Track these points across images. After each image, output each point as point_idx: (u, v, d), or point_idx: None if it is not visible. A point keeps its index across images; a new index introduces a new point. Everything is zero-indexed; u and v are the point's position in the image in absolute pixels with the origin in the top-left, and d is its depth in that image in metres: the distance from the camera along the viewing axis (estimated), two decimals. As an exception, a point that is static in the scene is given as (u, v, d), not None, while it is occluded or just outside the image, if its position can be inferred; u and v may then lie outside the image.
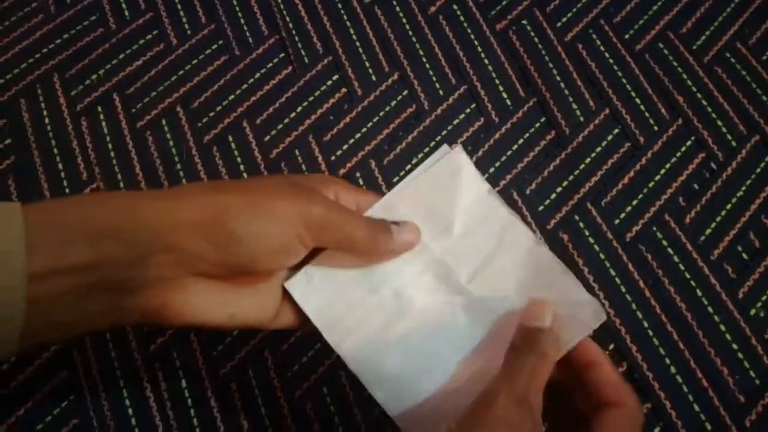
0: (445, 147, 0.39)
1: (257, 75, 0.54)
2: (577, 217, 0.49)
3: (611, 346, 0.45)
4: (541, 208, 0.49)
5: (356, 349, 0.35)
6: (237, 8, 0.56)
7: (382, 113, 0.53)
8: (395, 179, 0.50)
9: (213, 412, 0.44)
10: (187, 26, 0.56)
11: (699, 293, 0.46)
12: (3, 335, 0.28)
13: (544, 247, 0.36)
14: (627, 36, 0.55)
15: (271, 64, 0.54)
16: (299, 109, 0.53)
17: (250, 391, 0.44)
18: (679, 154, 0.51)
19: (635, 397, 0.32)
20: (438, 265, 0.36)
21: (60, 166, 0.50)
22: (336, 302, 0.36)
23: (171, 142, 0.51)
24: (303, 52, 0.55)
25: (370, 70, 0.54)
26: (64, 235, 0.28)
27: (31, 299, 0.27)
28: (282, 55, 0.55)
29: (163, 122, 0.52)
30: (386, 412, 0.34)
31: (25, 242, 0.27)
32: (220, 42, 0.55)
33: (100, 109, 0.53)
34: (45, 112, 0.52)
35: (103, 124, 0.52)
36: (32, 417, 0.43)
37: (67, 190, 0.49)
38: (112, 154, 0.51)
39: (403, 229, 0.36)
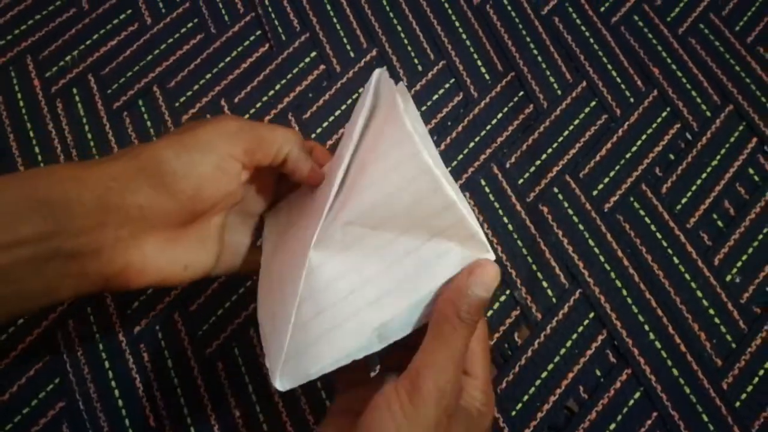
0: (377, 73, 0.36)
1: (234, 53, 0.54)
2: (555, 190, 0.49)
3: (591, 315, 0.46)
4: (520, 181, 0.49)
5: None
6: (211, -14, 0.56)
7: (361, 90, 0.52)
8: (376, 155, 0.50)
9: (131, 372, 0.44)
10: (161, 5, 0.55)
11: (676, 261, 0.47)
12: None
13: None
14: (602, 9, 0.55)
15: (247, 42, 0.54)
16: (277, 87, 0.52)
17: (160, 351, 0.45)
18: (654, 125, 0.51)
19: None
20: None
21: (37, 149, 0.50)
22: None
23: (149, 123, 0.51)
24: (280, 29, 0.54)
25: (348, 47, 0.54)
26: (12, 209, 0.29)
27: None
28: (258, 32, 0.54)
29: (140, 102, 0.52)
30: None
31: None
32: (196, 20, 0.55)
33: (75, 90, 0.52)
34: (19, 95, 0.51)
35: (79, 105, 0.51)
36: (18, 400, 0.43)
37: (44, 173, 0.49)
38: (89, 135, 0.50)
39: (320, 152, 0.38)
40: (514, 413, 0.43)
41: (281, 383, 0.31)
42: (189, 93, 0.52)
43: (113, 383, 0.44)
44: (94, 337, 0.45)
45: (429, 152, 0.30)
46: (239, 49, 0.54)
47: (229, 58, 0.53)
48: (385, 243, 0.31)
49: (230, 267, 0.38)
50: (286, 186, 0.39)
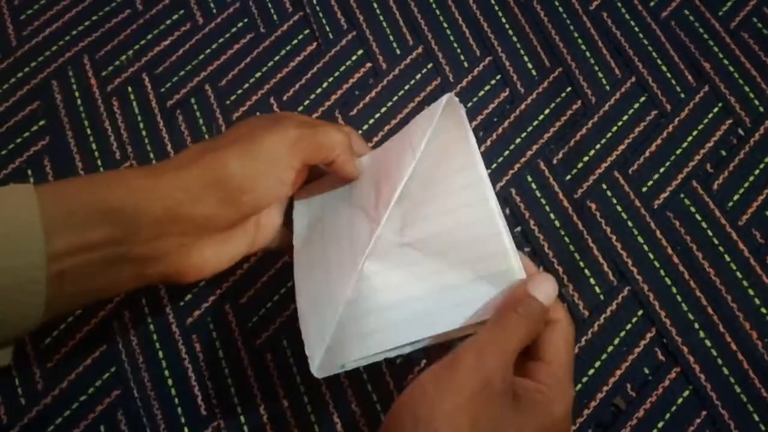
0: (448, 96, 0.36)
1: (283, 52, 0.55)
2: (604, 186, 0.49)
3: (640, 312, 0.45)
4: (568, 177, 0.49)
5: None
6: (261, -14, 0.57)
7: (407, 87, 0.53)
8: (422, 152, 0.51)
9: (184, 362, 0.46)
10: (212, 5, 0.56)
11: (727, 258, 0.46)
12: (29, 308, 0.30)
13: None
14: (652, 3, 0.55)
15: (296, 41, 0.55)
16: (325, 84, 0.53)
17: (212, 342, 0.46)
18: (706, 120, 0.51)
19: (566, 313, 0.33)
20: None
21: (93, 146, 0.51)
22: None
23: (201, 120, 0.52)
24: (327, 28, 0.55)
25: (394, 44, 0.54)
26: (82, 214, 0.30)
27: (54, 275, 0.29)
28: (306, 31, 0.55)
29: (192, 101, 0.53)
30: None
31: (41, 223, 0.29)
32: (246, 20, 0.56)
33: (130, 89, 0.53)
34: (77, 93, 0.53)
35: (134, 103, 0.53)
36: (75, 388, 0.45)
37: (101, 169, 0.50)
38: (144, 133, 0.52)
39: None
40: (560, 409, 0.43)
41: (319, 371, 0.34)
42: (239, 91, 0.53)
43: (166, 372, 0.45)
44: (148, 327, 0.46)
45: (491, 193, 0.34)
46: (288, 48, 0.55)
47: (278, 57, 0.54)
48: (436, 270, 0.34)
49: (263, 245, 0.40)
50: (316, 171, 0.41)
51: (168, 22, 0.56)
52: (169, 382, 0.45)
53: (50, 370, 0.45)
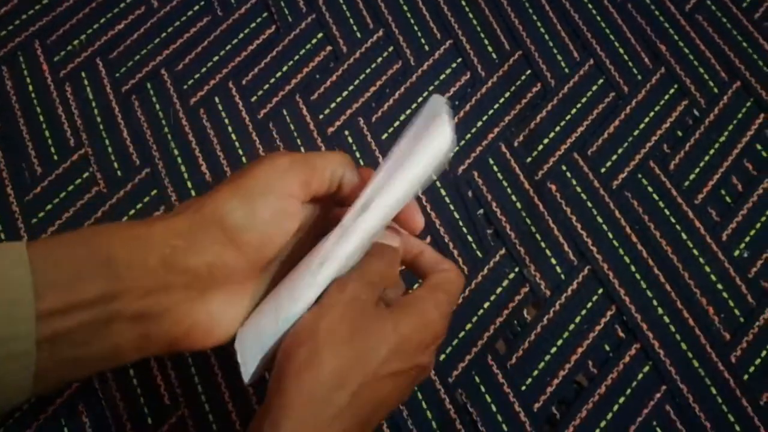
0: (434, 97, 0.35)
1: (241, 35, 0.54)
2: (564, 168, 0.49)
3: (600, 291, 0.46)
4: (529, 159, 0.50)
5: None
6: (217, -32, 0.56)
7: (368, 71, 0.53)
8: (384, 136, 0.50)
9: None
10: (167, -12, 0.55)
11: (684, 236, 0.47)
12: (17, 383, 0.28)
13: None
14: (609, -14, 0.55)
15: (254, 24, 0.54)
16: (285, 68, 0.53)
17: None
18: (662, 102, 0.51)
19: (454, 265, 0.36)
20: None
21: (47, 133, 0.50)
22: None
23: (157, 106, 0.51)
24: (286, 11, 0.54)
25: (355, 27, 0.54)
26: (74, 270, 0.28)
27: (44, 340, 0.27)
28: (265, 14, 0.54)
29: (148, 86, 0.52)
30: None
31: (32, 285, 0.27)
32: (202, 3, 0.55)
33: (83, 74, 0.52)
34: (28, 80, 0.52)
35: (88, 89, 0.52)
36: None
37: (55, 157, 0.49)
38: (99, 119, 0.51)
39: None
40: (524, 388, 0.44)
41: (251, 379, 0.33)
42: (197, 75, 0.52)
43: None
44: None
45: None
46: (246, 31, 0.54)
47: (236, 40, 0.53)
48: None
49: None
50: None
51: (122, 5, 0.54)
52: (131, 371, 0.44)
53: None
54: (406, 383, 0.33)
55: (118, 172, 0.49)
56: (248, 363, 0.32)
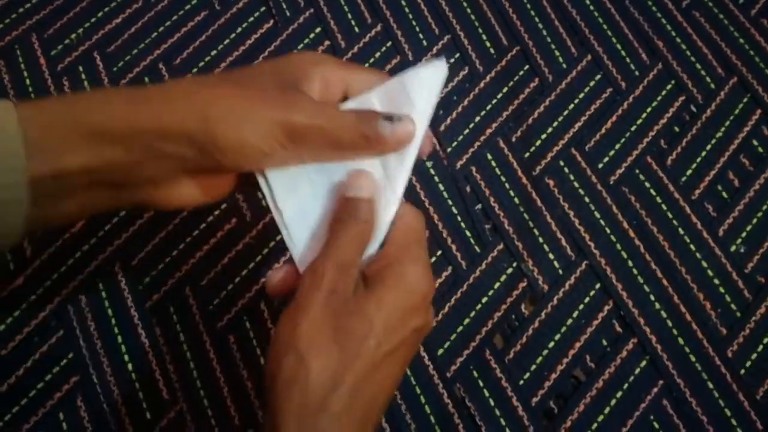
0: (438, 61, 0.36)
1: (239, 29, 0.54)
2: (562, 163, 0.49)
3: (598, 285, 0.46)
4: (526, 155, 0.50)
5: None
6: (215, -38, 0.56)
7: (366, 65, 0.52)
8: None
9: (144, 346, 0.45)
10: (165, -18, 0.55)
11: (681, 232, 0.47)
12: (9, 226, 0.30)
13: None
14: (607, -18, 0.55)
15: (252, 18, 0.54)
16: (283, 63, 0.52)
17: (172, 325, 0.46)
18: (659, 97, 0.52)
19: (409, 207, 0.34)
20: None
21: (44, 127, 0.50)
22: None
23: (155, 100, 0.51)
24: (284, 5, 0.54)
25: (353, 22, 0.54)
26: (62, 136, 0.29)
27: (33, 194, 0.29)
28: (263, 8, 0.54)
29: (146, 80, 0.52)
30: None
31: (22, 142, 0.28)
32: (200, -3, 0.55)
33: (81, 68, 0.52)
34: (25, 73, 0.51)
35: (86, 83, 0.51)
36: (32, 375, 0.44)
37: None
38: (96, 113, 0.50)
39: (400, 123, 0.33)
40: (521, 382, 0.44)
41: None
42: (195, 70, 0.52)
43: (126, 357, 0.44)
44: (106, 312, 0.45)
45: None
46: (244, 26, 0.54)
47: (233, 35, 0.53)
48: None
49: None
50: None
51: (113, 4, 0.54)
52: (129, 366, 0.44)
53: (5, 358, 0.44)
54: (405, 353, 0.32)
55: (116, 167, 0.49)
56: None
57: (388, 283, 0.31)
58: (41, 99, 0.31)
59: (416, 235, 0.33)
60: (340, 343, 0.29)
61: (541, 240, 0.47)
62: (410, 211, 0.34)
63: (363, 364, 0.29)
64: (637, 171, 0.49)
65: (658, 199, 0.48)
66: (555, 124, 0.51)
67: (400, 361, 0.32)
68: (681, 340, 0.45)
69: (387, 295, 0.31)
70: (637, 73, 0.52)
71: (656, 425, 0.43)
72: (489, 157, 0.50)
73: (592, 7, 0.54)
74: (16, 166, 0.28)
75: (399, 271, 0.31)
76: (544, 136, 0.50)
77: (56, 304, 0.45)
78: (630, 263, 0.47)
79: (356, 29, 0.54)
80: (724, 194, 0.49)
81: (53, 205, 0.31)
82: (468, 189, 0.49)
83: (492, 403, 0.43)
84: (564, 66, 0.53)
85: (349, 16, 0.54)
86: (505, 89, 0.52)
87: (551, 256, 0.47)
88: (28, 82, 0.51)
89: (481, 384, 0.44)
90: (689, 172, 0.49)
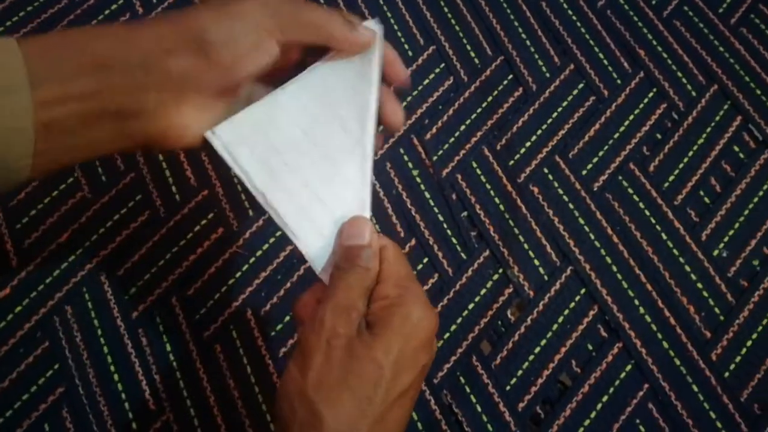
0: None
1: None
2: (546, 170, 0.50)
3: (582, 291, 0.46)
4: (511, 162, 0.50)
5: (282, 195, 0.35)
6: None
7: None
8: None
9: (131, 357, 0.45)
10: (151, -5, 0.55)
11: (664, 237, 0.48)
12: (18, 158, 0.30)
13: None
14: (588, -8, 0.56)
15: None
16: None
17: (158, 335, 0.46)
18: (641, 105, 0.52)
19: (389, 243, 0.34)
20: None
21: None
22: (262, 148, 0.36)
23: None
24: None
25: (338, 34, 0.54)
26: (65, 67, 0.30)
27: (40, 124, 0.29)
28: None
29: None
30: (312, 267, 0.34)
31: (26, 74, 0.29)
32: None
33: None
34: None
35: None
36: (17, 386, 0.44)
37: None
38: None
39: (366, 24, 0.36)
40: (508, 388, 0.44)
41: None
42: None
43: (112, 368, 0.44)
44: (92, 322, 0.45)
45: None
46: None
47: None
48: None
49: None
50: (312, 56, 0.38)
51: (107, 11, 0.54)
52: (116, 377, 0.44)
53: (-11, 369, 0.44)
54: (414, 392, 0.32)
55: (103, 178, 0.49)
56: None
57: (394, 326, 0.31)
58: (42, 35, 0.31)
59: (407, 269, 0.34)
60: (351, 390, 0.29)
61: (526, 246, 0.48)
62: (391, 245, 0.34)
63: (376, 409, 0.29)
64: (620, 177, 0.50)
65: (641, 205, 0.49)
66: (539, 132, 0.51)
67: (409, 399, 0.32)
68: (665, 344, 0.45)
69: (394, 339, 0.31)
70: (619, 81, 0.53)
71: (642, 429, 0.43)
72: (474, 165, 0.50)
73: (574, 18, 0.55)
74: (21, 94, 0.29)
75: (403, 313, 0.32)
76: (528, 144, 0.51)
77: (42, 315, 0.45)
78: (614, 268, 0.47)
79: (342, 40, 0.54)
80: (707, 199, 0.49)
81: (61, 138, 0.31)
82: (454, 197, 0.49)
83: (479, 409, 0.44)
84: (547, 75, 0.53)
85: (335, 27, 0.54)
86: (490, 98, 0.52)
87: (536, 262, 0.47)
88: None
89: (467, 390, 0.44)
90: (671, 178, 0.50)
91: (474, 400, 0.44)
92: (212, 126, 0.34)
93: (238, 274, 0.47)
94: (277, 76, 0.37)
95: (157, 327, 0.46)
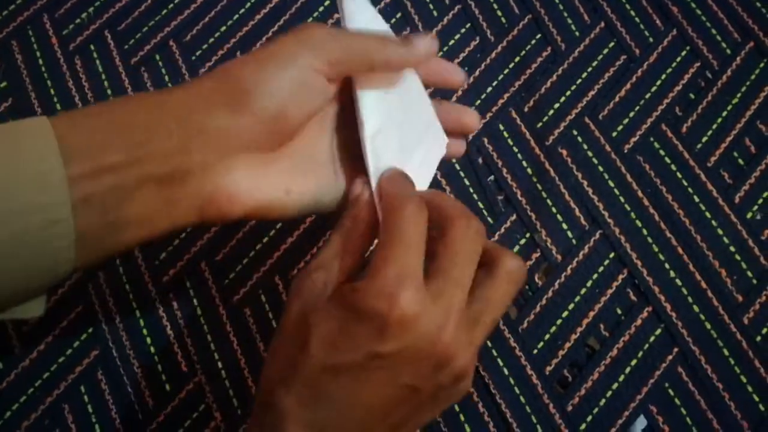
0: None
1: (248, 4, 0.53)
2: (575, 132, 0.49)
3: (612, 255, 0.46)
4: (539, 125, 0.49)
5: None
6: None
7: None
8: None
9: (162, 321, 0.46)
10: (174, -42, 0.55)
11: (696, 199, 0.47)
12: (59, 252, 0.28)
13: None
14: (620, -53, 0.54)
15: (262, -7, 0.54)
16: (293, 37, 0.52)
17: (189, 299, 0.46)
18: (674, 64, 0.51)
19: (470, 213, 0.32)
20: None
21: (58, 106, 0.50)
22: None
23: (167, 77, 0.51)
24: (293, -20, 0.54)
25: (363, -5, 0.53)
26: (97, 139, 0.28)
27: (76, 203, 0.27)
28: (272, -17, 0.54)
29: (157, 57, 0.52)
30: None
31: (59, 155, 0.27)
32: (209, -27, 0.54)
33: (92, 47, 0.52)
34: (38, 53, 0.52)
35: (97, 62, 0.52)
36: (53, 350, 0.45)
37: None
38: (109, 91, 0.51)
39: (422, 38, 0.34)
40: (536, 351, 0.44)
41: None
42: (205, 46, 0.52)
43: (145, 331, 0.45)
44: (124, 287, 0.46)
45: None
46: (253, 1, 0.54)
47: (243, 10, 0.53)
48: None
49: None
50: None
51: None
52: (148, 340, 0.45)
53: (26, 333, 0.45)
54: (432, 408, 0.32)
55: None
56: None
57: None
58: (72, 111, 0.30)
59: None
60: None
61: (554, 210, 0.47)
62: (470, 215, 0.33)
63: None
64: (651, 139, 0.49)
65: (673, 167, 0.48)
66: (568, 93, 0.50)
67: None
68: (696, 308, 0.45)
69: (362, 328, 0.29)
70: (650, 39, 0.52)
71: (671, 392, 0.43)
72: (501, 127, 0.49)
73: (605, -26, 0.53)
74: (57, 182, 0.27)
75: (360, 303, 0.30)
76: (557, 105, 0.50)
77: (74, 280, 0.46)
78: (644, 231, 0.46)
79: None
80: (740, 161, 0.48)
81: (105, 212, 0.28)
82: (480, 161, 0.49)
83: (506, 372, 0.44)
84: (577, 34, 0.52)
85: (359, -12, 0.54)
86: (517, 59, 0.51)
87: (564, 226, 0.47)
88: (41, 62, 0.52)
89: (495, 353, 0.44)
90: (704, 139, 0.49)
91: (501, 363, 0.44)
92: (276, 188, 0.32)
93: (266, 239, 0.47)
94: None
95: (187, 291, 0.46)
